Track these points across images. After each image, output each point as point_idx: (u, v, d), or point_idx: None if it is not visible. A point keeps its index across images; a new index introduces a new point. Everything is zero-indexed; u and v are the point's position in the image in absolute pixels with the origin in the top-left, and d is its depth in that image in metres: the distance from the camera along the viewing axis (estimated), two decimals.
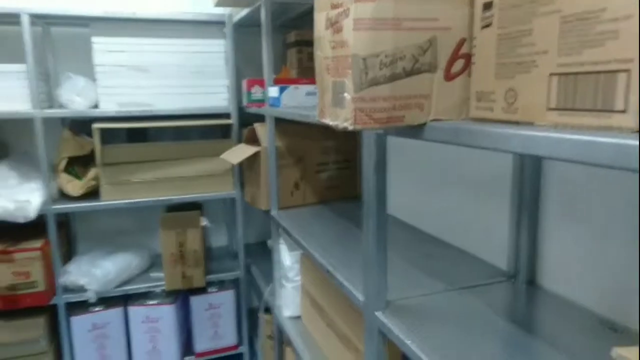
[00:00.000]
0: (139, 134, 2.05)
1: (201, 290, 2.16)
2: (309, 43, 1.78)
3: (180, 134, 2.08)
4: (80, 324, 2.02)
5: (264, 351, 2.10)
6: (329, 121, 0.70)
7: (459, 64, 0.63)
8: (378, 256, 0.91)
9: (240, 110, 2.03)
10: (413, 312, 0.93)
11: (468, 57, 0.63)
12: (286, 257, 1.67)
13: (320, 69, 0.73)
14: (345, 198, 1.81)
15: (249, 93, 1.81)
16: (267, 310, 1.97)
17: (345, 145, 1.78)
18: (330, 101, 0.69)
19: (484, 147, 0.55)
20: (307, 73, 1.76)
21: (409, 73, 0.62)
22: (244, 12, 1.78)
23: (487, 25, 0.58)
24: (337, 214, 1.65)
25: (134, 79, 1.91)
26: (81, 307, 2.01)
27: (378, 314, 0.92)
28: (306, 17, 1.87)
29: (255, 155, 1.70)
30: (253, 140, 1.81)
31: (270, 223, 1.72)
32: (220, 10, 1.95)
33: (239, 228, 2.16)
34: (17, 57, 1.81)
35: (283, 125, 1.64)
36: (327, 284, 1.36)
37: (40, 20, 1.85)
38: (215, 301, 2.20)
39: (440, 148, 1.35)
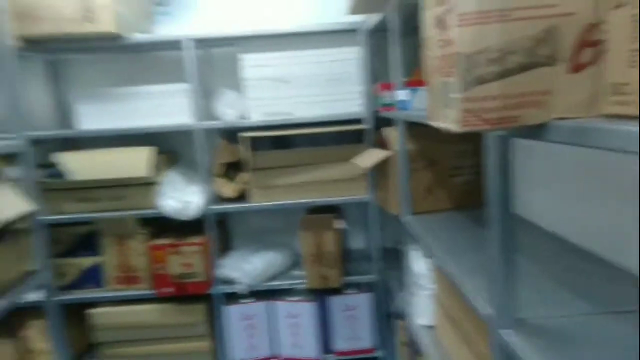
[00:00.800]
0: (281, 141, 2.21)
1: (338, 291, 2.23)
2: None
3: (318, 140, 2.18)
4: (233, 313, 2.25)
5: (401, 358, 2.08)
6: (438, 123, 0.67)
7: (586, 54, 0.55)
8: (504, 267, 0.83)
9: (375, 114, 2.05)
10: (549, 335, 0.83)
11: (597, 45, 0.54)
12: (419, 264, 1.62)
13: (430, 69, 0.70)
14: (482, 204, 1.69)
15: (380, 97, 1.81)
16: (401, 316, 1.94)
17: (480, 148, 1.67)
18: (440, 102, 0.66)
19: (614, 148, 0.47)
20: None
21: (523, 68, 0.56)
22: (376, 17, 1.79)
23: (620, 5, 0.50)
24: (472, 221, 1.55)
25: (277, 90, 2.06)
26: (234, 297, 2.23)
27: (504, 332, 0.84)
28: None
29: (386, 160, 1.70)
30: (383, 144, 1.80)
31: (403, 228, 1.70)
32: (354, 18, 2.00)
33: (373, 232, 2.18)
34: (181, 76, 2.10)
35: (415, 128, 1.60)
36: (461, 295, 1.28)
37: (199, 44, 2.11)
38: (352, 303, 2.25)
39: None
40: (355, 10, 1.71)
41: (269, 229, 2.49)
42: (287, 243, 2.42)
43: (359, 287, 2.26)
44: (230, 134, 2.20)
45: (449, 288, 1.36)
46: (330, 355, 2.27)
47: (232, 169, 2.23)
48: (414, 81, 1.53)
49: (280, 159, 2.13)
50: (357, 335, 2.27)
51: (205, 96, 2.16)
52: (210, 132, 2.19)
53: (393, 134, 1.66)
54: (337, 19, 2.04)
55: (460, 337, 1.31)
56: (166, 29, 2.27)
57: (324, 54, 2.03)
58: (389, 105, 1.72)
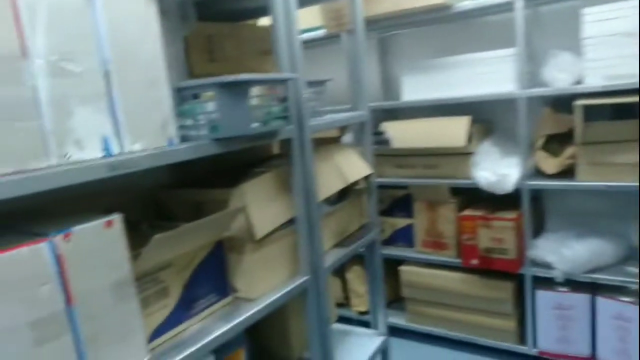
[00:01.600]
0: (627, 110, 1.83)
1: None
2: None
3: None
4: (545, 299, 2.06)
5: None
6: None
7: None
8: None
9: None
10: None
11: None
12: None
13: None
14: None
15: None
16: None
17: None
18: None
19: None
20: None
21: None
22: None
23: None
24: None
25: (622, 47, 1.70)
26: (546, 283, 2.04)
27: None
28: None
29: None
30: None
31: None
32: None
33: None
34: (506, 41, 1.97)
35: None
36: None
37: (531, 2, 1.92)
38: None
39: None
40: None
41: (592, 211, 2.15)
42: (617, 232, 2.04)
43: None
44: (559, 102, 1.96)
45: None
46: None
47: (557, 141, 1.99)
48: None
49: (619, 132, 1.78)
50: None
51: (532, 61, 1.98)
52: (534, 101, 2.00)
53: None
54: None
55: None
56: None
57: None
58: None
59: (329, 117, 1.47)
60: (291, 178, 1.25)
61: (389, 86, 2.60)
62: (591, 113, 1.81)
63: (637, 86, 1.68)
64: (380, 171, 2.29)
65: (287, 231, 1.26)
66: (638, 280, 1.82)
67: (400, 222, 2.43)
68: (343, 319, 2.03)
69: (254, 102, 1.06)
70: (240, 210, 1.11)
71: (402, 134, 2.26)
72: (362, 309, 2.52)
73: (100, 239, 0.79)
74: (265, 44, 1.45)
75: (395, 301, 2.52)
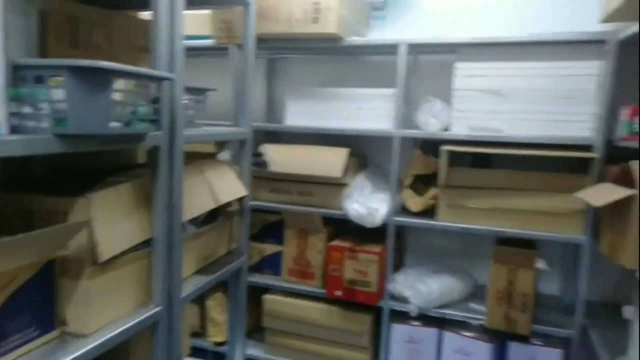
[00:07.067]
0: (483, 160, 2.01)
1: (522, 339, 1.94)
2: None
3: (527, 164, 1.93)
4: (399, 332, 2.13)
5: None
6: None
7: None
8: None
9: (607, 143, 1.72)
10: None
11: None
12: None
13: None
14: None
15: (630, 123, 1.49)
16: None
17: None
18: None
19: None
20: None
21: None
22: (633, 28, 1.48)
23: None
24: None
25: (489, 103, 1.87)
26: (401, 316, 2.11)
27: None
28: None
29: (628, 200, 1.38)
30: (623, 180, 1.48)
31: (631, 286, 1.37)
32: (600, 27, 1.70)
33: (581, 280, 1.83)
34: (387, 82, 2.05)
35: None
36: None
37: (413, 49, 2.04)
38: (537, 356, 1.94)
39: None
40: (612, 17, 1.43)
41: (447, 250, 2.31)
42: (466, 270, 2.21)
43: (549, 340, 1.93)
44: (428, 146, 2.08)
45: None
46: None
47: (423, 182, 2.11)
48: None
49: (478, 179, 1.94)
50: None
51: (408, 104, 2.08)
52: (407, 141, 2.10)
53: None
54: (578, 28, 1.75)
55: None
56: (378, 33, 2.26)
57: (555, 67, 1.77)
58: None
59: (207, 129, 1.34)
60: (154, 192, 1.09)
61: (273, 108, 2.54)
62: (454, 159, 1.95)
63: (496, 139, 1.86)
64: (254, 194, 2.18)
65: (140, 254, 1.09)
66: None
67: (270, 248, 2.34)
68: (197, 351, 1.85)
69: (116, 97, 0.90)
70: (82, 225, 0.92)
71: (281, 158, 2.20)
72: (220, 339, 2.34)
73: None
74: (143, 40, 1.28)
75: (254, 331, 2.40)
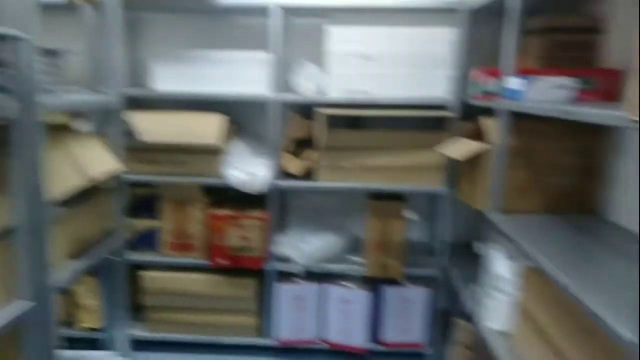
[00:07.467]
0: (356, 121, 2.11)
1: (395, 282, 2.15)
2: (559, 30, 1.57)
3: (394, 123, 2.08)
4: (284, 292, 2.20)
5: (455, 358, 2.00)
6: None
7: None
8: None
9: (462, 102, 1.93)
10: None
11: None
12: (501, 266, 1.52)
13: None
14: (580, 210, 1.57)
15: (477, 84, 1.69)
16: (463, 316, 1.85)
17: (589, 148, 1.54)
18: None
19: None
20: (552, 64, 1.55)
21: None
22: None
23: None
24: (571, 228, 1.43)
25: (360, 67, 1.96)
26: (286, 276, 2.17)
27: None
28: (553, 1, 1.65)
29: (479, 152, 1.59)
30: (475, 135, 1.69)
31: (482, 225, 1.60)
32: None
33: (442, 225, 2.08)
34: (260, 45, 2.01)
35: (516, 121, 1.49)
36: (560, 307, 1.19)
37: (285, 12, 2.01)
38: (408, 296, 2.17)
39: None
40: None
41: (326, 209, 2.42)
42: (344, 226, 2.35)
43: (418, 280, 2.17)
44: (305, 109, 2.12)
45: (546, 298, 1.26)
46: (377, 344, 2.20)
47: (301, 145, 2.15)
48: (528, 70, 1.40)
49: (353, 140, 2.04)
50: (408, 329, 2.20)
51: (283, 67, 2.07)
52: (284, 105, 2.11)
53: (491, 125, 1.55)
54: None
55: (550, 350, 1.22)
56: None
57: (415, 32, 1.91)
58: (489, 94, 1.60)
59: (70, 97, 1.18)
60: (10, 173, 0.94)
61: (136, 73, 2.32)
62: (332, 121, 2.02)
63: (366, 102, 1.96)
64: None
65: None
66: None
67: (143, 223, 2.20)
68: (67, 341, 1.69)
69: None
70: None
71: (149, 126, 2.04)
72: (94, 325, 2.17)
73: None
74: None
75: (133, 310, 2.27)
